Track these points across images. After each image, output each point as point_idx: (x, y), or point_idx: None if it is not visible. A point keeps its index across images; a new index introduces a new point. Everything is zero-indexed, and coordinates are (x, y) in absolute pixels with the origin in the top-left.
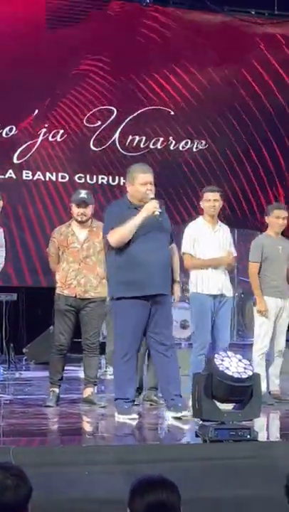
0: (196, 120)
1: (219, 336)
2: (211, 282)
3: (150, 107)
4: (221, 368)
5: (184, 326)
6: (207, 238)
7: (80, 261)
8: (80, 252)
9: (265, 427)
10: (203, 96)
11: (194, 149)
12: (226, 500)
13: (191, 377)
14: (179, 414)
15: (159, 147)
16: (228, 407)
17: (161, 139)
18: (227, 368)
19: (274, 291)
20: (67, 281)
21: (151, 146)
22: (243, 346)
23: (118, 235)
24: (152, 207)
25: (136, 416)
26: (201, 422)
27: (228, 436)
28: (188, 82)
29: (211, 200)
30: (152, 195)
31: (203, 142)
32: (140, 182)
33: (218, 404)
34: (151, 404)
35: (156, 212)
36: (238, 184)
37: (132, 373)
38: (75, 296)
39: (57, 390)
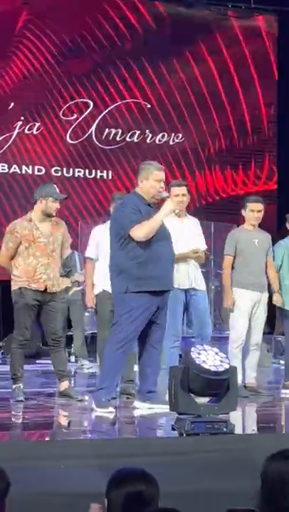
0: (172, 113)
1: (201, 333)
2: (181, 276)
3: (127, 100)
4: (197, 362)
5: None
6: (176, 233)
7: (48, 255)
8: (47, 245)
9: (241, 420)
10: (179, 89)
11: (171, 142)
12: (203, 494)
13: (167, 370)
14: (159, 406)
15: (135, 140)
16: (204, 400)
17: (138, 132)
18: (204, 362)
19: (250, 284)
20: (35, 276)
21: (127, 140)
22: (219, 339)
23: (146, 230)
24: (173, 206)
25: (112, 410)
26: (177, 415)
27: (204, 430)
28: (164, 75)
29: (179, 194)
30: (167, 194)
31: (180, 135)
32: (155, 178)
33: (194, 397)
34: (128, 398)
35: (177, 211)
36: (215, 177)
37: (121, 366)
38: (44, 290)
39: (22, 385)
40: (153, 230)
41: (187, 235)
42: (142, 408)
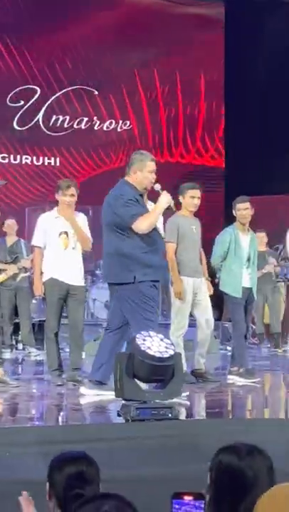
0: (120, 101)
1: None
2: None
3: (74, 87)
4: (142, 348)
5: (107, 306)
6: None
7: None
8: None
9: (187, 405)
10: (127, 76)
11: (118, 129)
12: (148, 479)
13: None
14: (106, 393)
15: (83, 127)
16: (150, 386)
17: (86, 119)
18: (149, 348)
19: (191, 270)
20: None
21: (75, 126)
22: (166, 326)
23: (148, 223)
24: (169, 200)
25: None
26: (123, 401)
27: (150, 416)
28: (113, 62)
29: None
30: (160, 186)
31: (128, 123)
32: (149, 169)
33: (140, 383)
34: (74, 385)
35: (172, 205)
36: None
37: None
38: None
39: None
40: (154, 224)
41: None
42: (89, 395)
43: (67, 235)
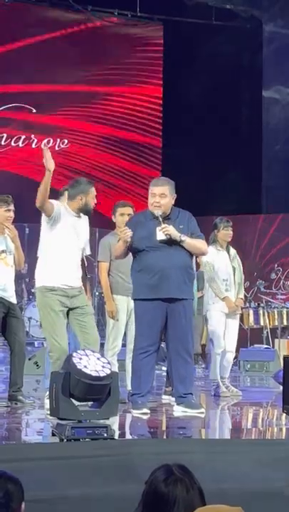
0: (57, 119)
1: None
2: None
3: (11, 105)
4: (78, 367)
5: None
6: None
7: None
8: None
9: (122, 425)
10: (65, 95)
11: (56, 148)
12: (83, 499)
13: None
14: (191, 411)
15: (20, 145)
16: (85, 406)
17: (23, 136)
18: (85, 367)
19: (124, 289)
20: None
21: (12, 144)
22: (102, 345)
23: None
24: (123, 235)
25: (147, 411)
26: (58, 420)
27: (85, 435)
28: (50, 80)
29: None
30: (159, 211)
31: (66, 141)
32: (150, 193)
33: (75, 402)
34: (16, 403)
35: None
36: (98, 184)
37: (148, 369)
38: None
39: None
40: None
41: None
42: (177, 411)
43: (9, 253)
